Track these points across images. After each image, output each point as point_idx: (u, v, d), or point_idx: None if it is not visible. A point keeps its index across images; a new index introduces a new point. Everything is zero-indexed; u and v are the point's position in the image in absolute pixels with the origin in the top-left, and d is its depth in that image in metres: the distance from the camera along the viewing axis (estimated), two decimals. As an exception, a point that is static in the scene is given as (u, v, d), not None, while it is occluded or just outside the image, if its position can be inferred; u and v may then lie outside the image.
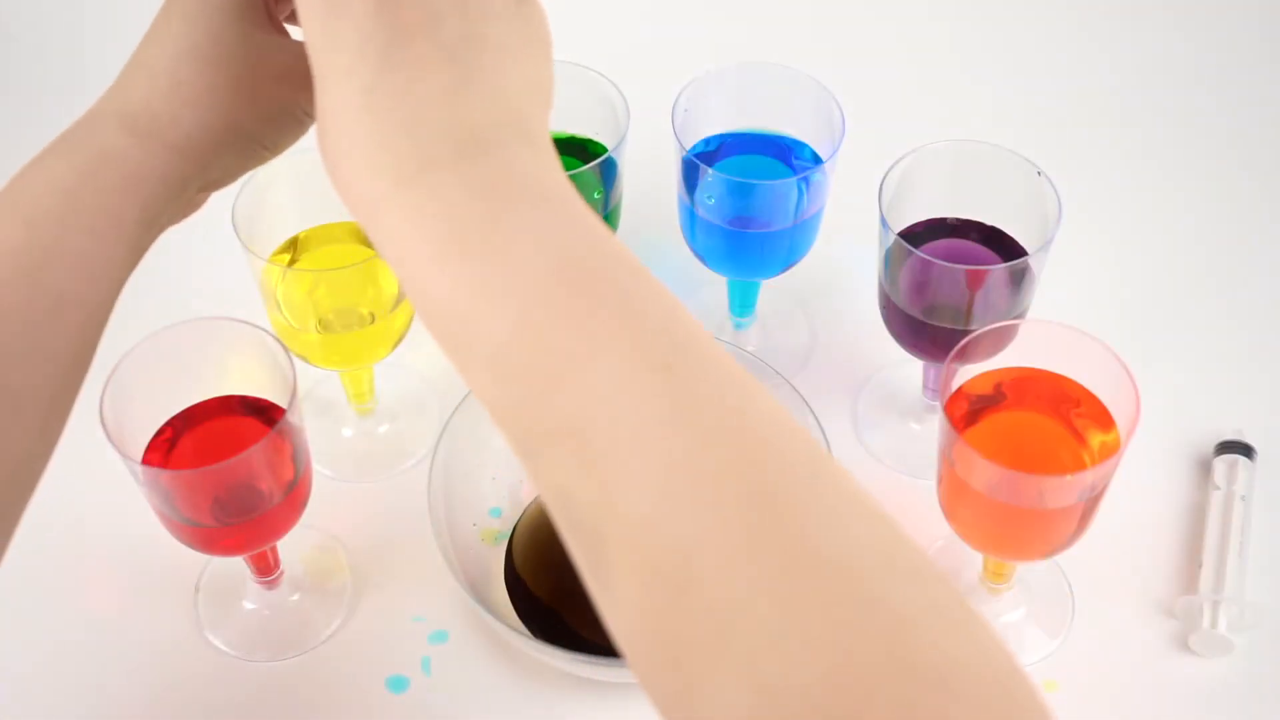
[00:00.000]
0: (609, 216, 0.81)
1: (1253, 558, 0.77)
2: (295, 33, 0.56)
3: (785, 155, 0.81)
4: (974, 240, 0.77)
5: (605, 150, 0.79)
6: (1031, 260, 0.72)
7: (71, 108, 0.58)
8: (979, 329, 0.67)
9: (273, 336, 0.68)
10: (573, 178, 0.76)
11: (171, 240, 0.95)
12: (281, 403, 0.68)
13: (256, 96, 0.56)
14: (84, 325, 0.54)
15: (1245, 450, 0.80)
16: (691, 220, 0.80)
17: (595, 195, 0.78)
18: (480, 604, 0.69)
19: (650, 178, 0.88)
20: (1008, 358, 0.69)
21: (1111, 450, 0.65)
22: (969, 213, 0.77)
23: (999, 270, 0.73)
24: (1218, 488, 0.79)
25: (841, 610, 0.36)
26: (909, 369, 0.84)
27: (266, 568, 0.74)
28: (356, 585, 0.78)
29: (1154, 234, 0.95)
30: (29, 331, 0.51)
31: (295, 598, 0.77)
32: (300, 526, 0.72)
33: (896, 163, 0.75)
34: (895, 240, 0.73)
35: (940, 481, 0.69)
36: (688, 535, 0.38)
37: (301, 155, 0.76)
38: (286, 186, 0.76)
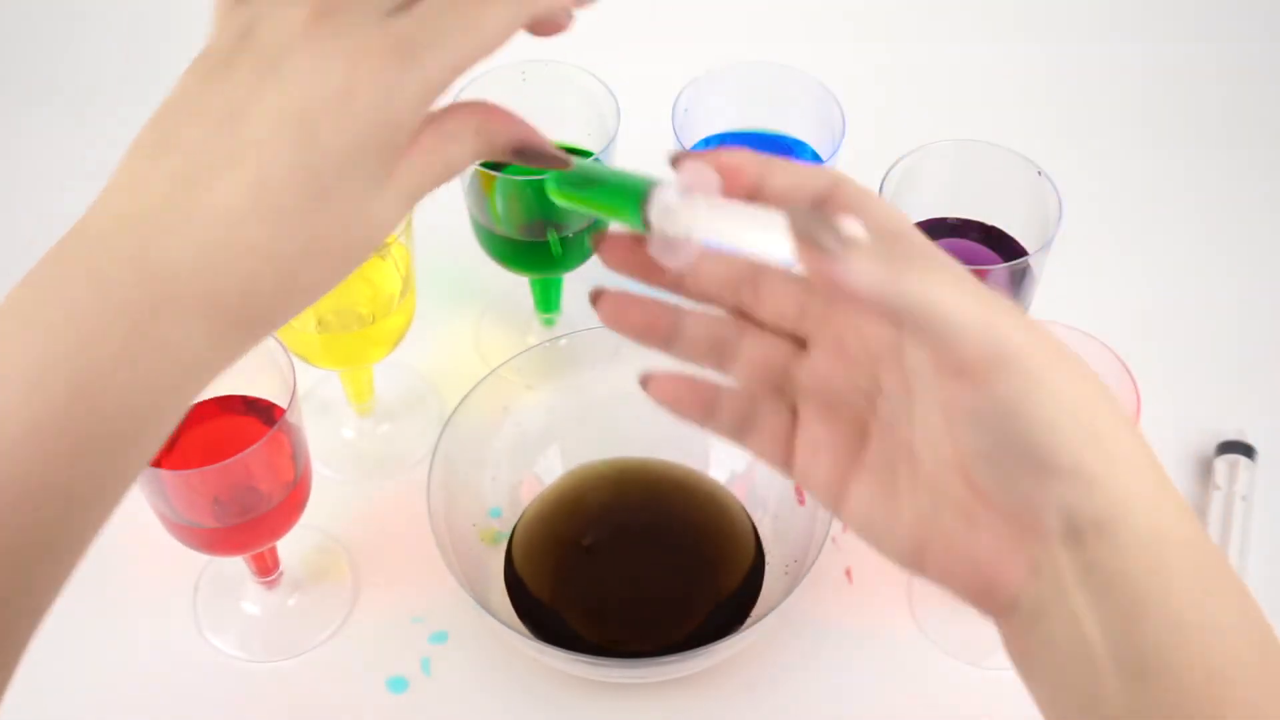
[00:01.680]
0: (599, 222, 0.80)
1: (1254, 558, 0.77)
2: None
3: (785, 155, 0.81)
4: (974, 240, 0.77)
5: (592, 155, 0.79)
6: (1032, 260, 0.72)
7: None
8: (979, 329, 0.67)
9: (272, 336, 0.68)
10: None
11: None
12: (281, 402, 0.68)
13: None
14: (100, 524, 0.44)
15: (1246, 450, 0.80)
16: (691, 220, 0.80)
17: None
18: (480, 604, 0.69)
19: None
20: (1008, 358, 0.69)
21: (1112, 450, 0.65)
22: (969, 212, 0.77)
23: (999, 270, 0.73)
24: (1219, 488, 0.79)
25: None
26: (909, 369, 0.84)
27: (266, 568, 0.74)
28: (356, 585, 0.78)
29: (1155, 233, 0.95)
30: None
31: (295, 598, 0.77)
32: (300, 526, 0.72)
33: (897, 162, 0.75)
34: (895, 240, 0.73)
35: (940, 481, 0.68)
36: None
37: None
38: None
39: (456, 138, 0.45)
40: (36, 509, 0.40)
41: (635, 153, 0.83)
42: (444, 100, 0.79)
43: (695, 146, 0.80)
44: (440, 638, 0.76)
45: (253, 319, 0.42)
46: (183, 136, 0.42)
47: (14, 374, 0.39)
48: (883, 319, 0.40)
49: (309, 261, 0.42)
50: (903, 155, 0.75)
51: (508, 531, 0.78)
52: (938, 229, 0.77)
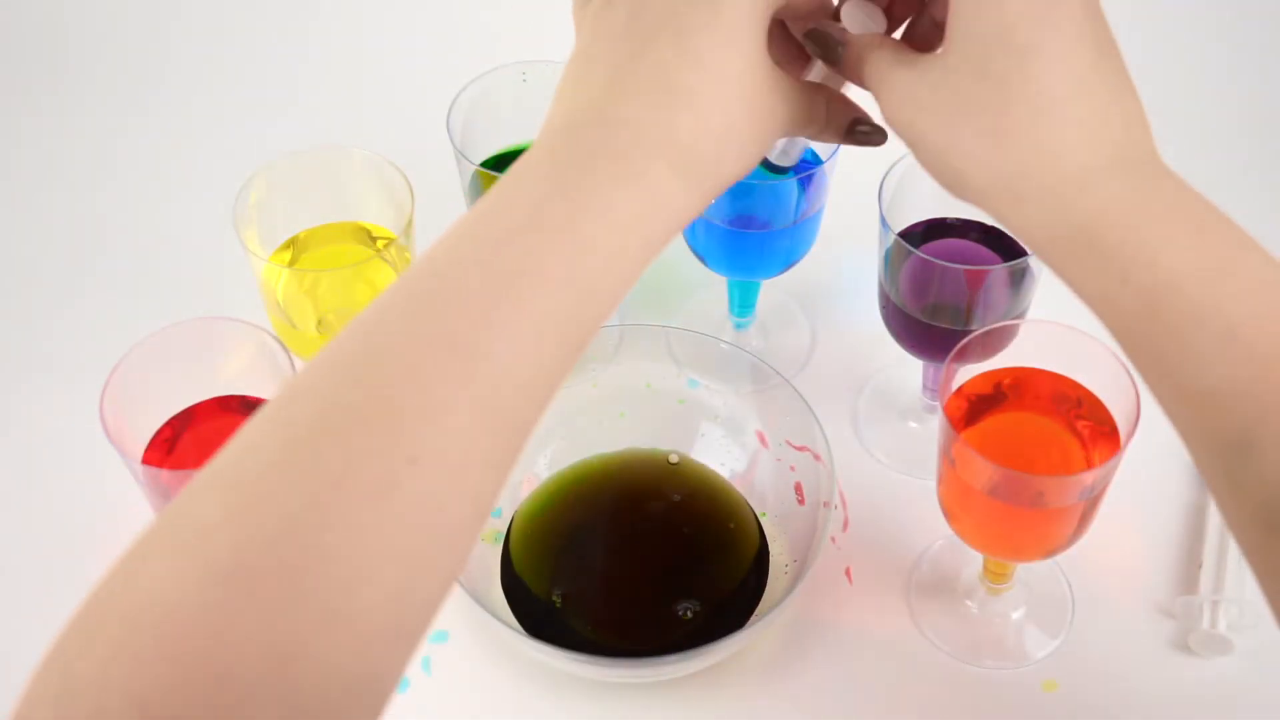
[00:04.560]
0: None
1: (1253, 558, 0.77)
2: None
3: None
4: (974, 240, 0.77)
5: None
6: (1032, 260, 0.72)
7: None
8: (979, 329, 0.67)
9: (273, 336, 0.68)
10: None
11: (171, 240, 0.95)
12: (281, 403, 0.68)
13: (765, 147, 0.52)
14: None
15: (1245, 450, 0.80)
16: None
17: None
18: (480, 604, 0.69)
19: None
20: (1008, 358, 0.69)
21: (1111, 450, 0.65)
22: (970, 212, 0.77)
23: (999, 270, 0.73)
24: (1218, 488, 0.79)
25: None
26: (909, 369, 0.84)
27: (266, 568, 0.74)
28: (356, 585, 0.78)
29: (1154, 234, 0.95)
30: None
31: (295, 598, 0.77)
32: (300, 526, 0.72)
33: (896, 163, 0.75)
34: (895, 240, 0.73)
35: (940, 481, 0.69)
36: None
37: (302, 155, 0.77)
38: (287, 186, 0.76)
39: (821, 94, 0.56)
40: (556, 299, 0.45)
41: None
42: (446, 103, 0.80)
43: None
44: (440, 637, 0.76)
45: (703, 159, 0.49)
46: (600, 48, 0.50)
47: (523, 202, 0.47)
48: None
49: (741, 106, 0.49)
50: (903, 154, 0.75)
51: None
52: (938, 229, 0.77)
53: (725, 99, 0.49)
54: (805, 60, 0.58)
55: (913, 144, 0.51)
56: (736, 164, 0.50)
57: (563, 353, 0.46)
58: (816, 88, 0.55)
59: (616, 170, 0.47)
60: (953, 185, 0.51)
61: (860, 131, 0.56)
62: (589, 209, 0.46)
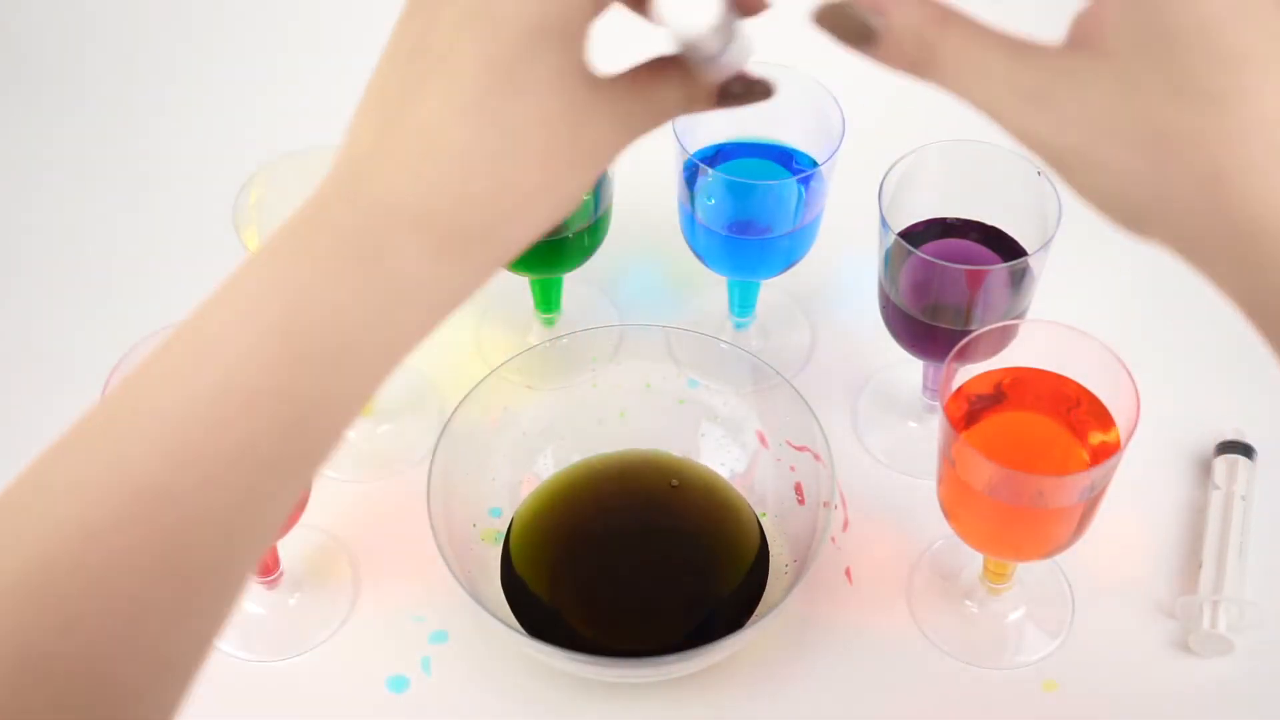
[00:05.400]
0: (599, 222, 0.81)
1: (1252, 558, 0.77)
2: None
3: (784, 160, 0.81)
4: (974, 240, 0.77)
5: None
6: (1031, 260, 0.72)
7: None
8: (979, 329, 0.67)
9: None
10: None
11: (171, 240, 0.95)
12: (281, 403, 0.68)
13: (577, 190, 0.44)
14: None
15: (1245, 450, 0.80)
16: (692, 224, 0.80)
17: (584, 199, 0.78)
18: (480, 604, 0.69)
19: (648, 180, 0.88)
20: (1008, 358, 0.69)
21: (1111, 450, 0.65)
22: (969, 213, 0.77)
23: (999, 270, 0.73)
24: (1218, 488, 0.79)
25: None
26: (909, 369, 0.84)
27: (266, 568, 0.74)
28: (356, 585, 0.78)
29: (1154, 234, 0.95)
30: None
31: (296, 598, 0.77)
32: (300, 526, 0.72)
33: (896, 163, 0.75)
34: (895, 240, 0.73)
35: (940, 481, 0.69)
36: None
37: (302, 155, 0.77)
38: (287, 186, 0.76)
39: (666, 79, 0.45)
40: (269, 413, 0.40)
41: (634, 156, 0.83)
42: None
43: (698, 153, 0.80)
44: (440, 637, 0.76)
45: (468, 231, 0.41)
46: (385, 86, 0.43)
47: (240, 297, 0.41)
48: None
49: (518, 161, 0.41)
50: (902, 155, 0.75)
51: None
52: (938, 229, 0.77)
53: (498, 155, 0.41)
54: None
55: (1055, 162, 0.42)
56: (525, 226, 0.43)
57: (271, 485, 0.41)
58: (650, 73, 0.45)
59: (339, 250, 0.41)
60: (1127, 223, 0.41)
61: (734, 94, 0.47)
62: (306, 310, 0.40)
